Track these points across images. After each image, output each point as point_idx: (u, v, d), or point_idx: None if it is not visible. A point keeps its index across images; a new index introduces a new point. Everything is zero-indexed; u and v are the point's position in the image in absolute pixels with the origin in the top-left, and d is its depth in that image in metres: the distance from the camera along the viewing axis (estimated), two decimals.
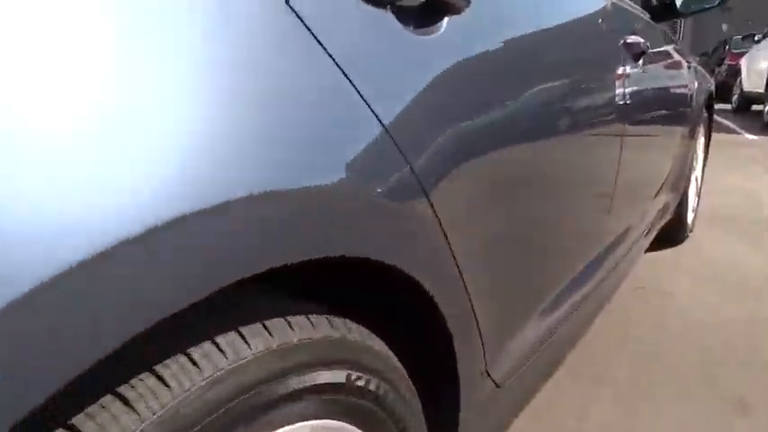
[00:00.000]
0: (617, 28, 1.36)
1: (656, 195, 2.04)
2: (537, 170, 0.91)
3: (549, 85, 0.97)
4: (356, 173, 0.52)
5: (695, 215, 2.90)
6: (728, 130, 7.32)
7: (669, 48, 2.03)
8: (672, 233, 2.57)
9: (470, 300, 0.73)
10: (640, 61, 1.48)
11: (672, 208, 2.37)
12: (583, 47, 1.17)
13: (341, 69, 0.53)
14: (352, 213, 0.53)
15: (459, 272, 0.69)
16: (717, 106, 3.07)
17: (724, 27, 20.83)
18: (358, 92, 0.54)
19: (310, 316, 0.56)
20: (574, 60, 1.10)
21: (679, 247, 2.64)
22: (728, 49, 12.22)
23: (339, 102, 0.52)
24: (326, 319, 0.58)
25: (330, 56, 0.52)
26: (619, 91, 1.30)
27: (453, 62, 0.68)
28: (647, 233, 1.98)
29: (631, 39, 1.40)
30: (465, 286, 0.71)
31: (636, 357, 1.68)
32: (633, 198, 1.66)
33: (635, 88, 1.41)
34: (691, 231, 2.77)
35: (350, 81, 0.53)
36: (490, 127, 0.75)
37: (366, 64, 0.56)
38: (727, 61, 11.65)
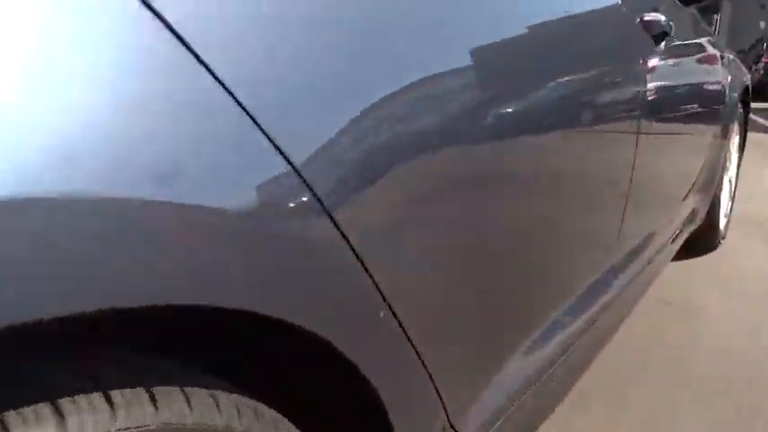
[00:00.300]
0: (633, 4, 1.17)
1: (684, 198, 1.82)
2: (512, 169, 0.73)
3: (537, 71, 0.78)
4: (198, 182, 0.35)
5: (728, 220, 2.66)
6: (766, 130, 6.96)
7: (699, 34, 1.81)
8: (702, 240, 2.34)
9: (417, 351, 0.54)
10: (662, 44, 1.28)
11: (702, 213, 2.15)
12: (587, 25, 0.98)
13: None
14: (223, 243, 0.36)
15: (398, 321, 0.51)
16: (754, 105, 2.81)
17: (762, 25, 20.12)
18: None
19: (189, 389, 0.39)
20: (574, 41, 0.91)
21: (710, 256, 2.40)
22: (766, 46, 11.74)
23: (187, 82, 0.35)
24: (211, 396, 0.40)
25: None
26: (632, 80, 1.11)
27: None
28: (674, 239, 1.76)
29: (650, 16, 1.20)
30: (407, 336, 0.53)
31: (659, 384, 1.47)
32: (655, 202, 1.46)
33: (653, 77, 1.21)
34: (723, 238, 2.53)
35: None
36: (443, 122, 0.57)
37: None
38: (764, 59, 11.19)
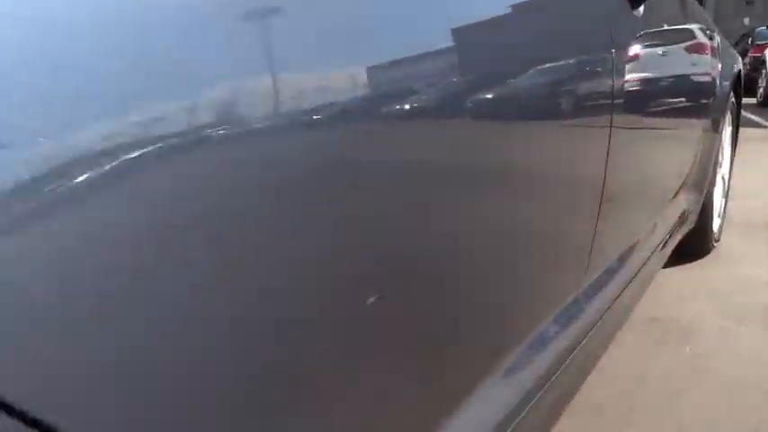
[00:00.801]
0: None
1: (673, 198, 1.57)
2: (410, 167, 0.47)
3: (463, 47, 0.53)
4: None
5: (722, 221, 2.41)
6: (755, 125, 6.76)
7: (687, 12, 1.56)
8: (693, 244, 2.08)
9: None
10: (640, 8, 1.02)
11: (694, 213, 1.89)
12: None
13: None
14: None
15: None
16: (742, 100, 2.57)
17: (746, 21, 20.05)
18: None
19: None
20: (522, 18, 0.65)
21: (703, 262, 2.15)
22: (752, 41, 11.59)
23: None
24: None
25: None
26: (602, 60, 0.85)
27: None
28: (665, 244, 1.51)
29: None
30: None
31: (644, 427, 1.21)
32: (637, 205, 1.20)
33: (629, 55, 0.96)
34: (717, 241, 2.28)
35: None
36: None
37: None
38: (750, 53, 11.03)
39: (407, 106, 0.48)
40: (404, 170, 0.49)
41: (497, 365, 0.72)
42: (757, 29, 11.89)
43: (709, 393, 1.32)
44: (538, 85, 0.68)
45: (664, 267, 2.04)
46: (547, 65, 0.71)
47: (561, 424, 1.06)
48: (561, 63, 0.75)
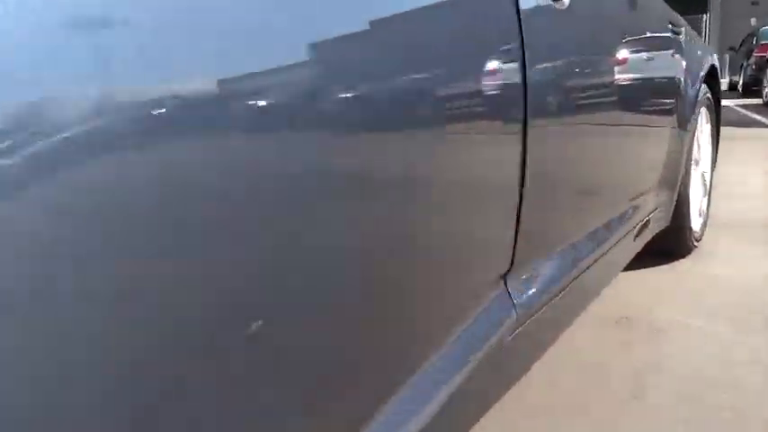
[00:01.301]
0: None
1: (634, 198, 1.54)
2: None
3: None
4: None
5: (705, 221, 2.36)
6: (760, 125, 6.67)
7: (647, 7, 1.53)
8: (671, 243, 2.04)
9: None
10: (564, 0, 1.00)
11: (665, 213, 1.85)
12: None
13: None
14: None
15: None
16: (746, 101, 2.53)
17: (752, 21, 19.89)
18: None
19: None
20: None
21: (681, 262, 2.11)
22: (757, 40, 11.47)
23: None
24: None
25: None
26: (508, 58, 0.83)
27: None
28: (617, 243, 1.46)
29: None
30: None
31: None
32: (568, 207, 1.16)
33: (545, 55, 0.94)
34: (698, 240, 2.24)
35: None
36: None
37: None
38: (756, 53, 10.91)
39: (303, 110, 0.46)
40: (304, 172, 0.48)
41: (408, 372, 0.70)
42: (761, 28, 11.76)
43: (670, 400, 1.27)
44: (436, 85, 0.66)
45: (641, 268, 2.00)
46: (450, 65, 0.69)
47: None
48: (463, 62, 0.73)
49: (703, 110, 2.19)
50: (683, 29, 1.94)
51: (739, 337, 1.52)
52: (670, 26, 1.79)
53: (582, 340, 1.52)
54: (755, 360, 1.40)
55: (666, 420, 1.18)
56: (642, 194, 1.61)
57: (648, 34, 1.57)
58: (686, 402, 1.24)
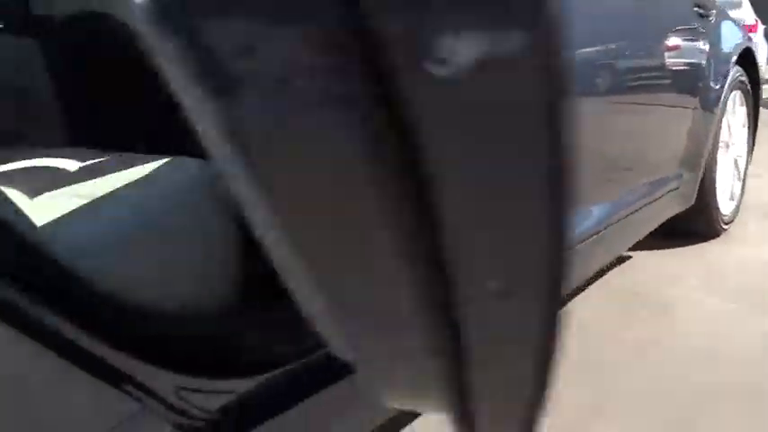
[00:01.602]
0: None
1: (647, 176, 1.59)
2: None
3: None
4: None
5: (737, 205, 2.36)
6: None
7: None
8: (697, 224, 2.07)
9: None
10: None
11: (688, 192, 1.88)
12: None
13: None
14: None
15: None
16: None
17: None
18: None
19: None
20: None
21: (711, 244, 2.13)
22: None
23: None
24: None
25: None
26: None
27: None
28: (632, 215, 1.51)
29: None
30: None
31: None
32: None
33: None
34: (727, 223, 2.24)
35: None
36: None
37: None
38: None
39: None
40: None
41: None
42: None
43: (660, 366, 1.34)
44: None
45: (664, 249, 2.04)
46: None
47: None
48: None
49: (737, 93, 2.18)
50: (713, 11, 1.95)
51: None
52: (696, 9, 1.81)
53: (604, 311, 1.59)
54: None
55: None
56: (659, 172, 1.65)
57: (670, 18, 1.61)
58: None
